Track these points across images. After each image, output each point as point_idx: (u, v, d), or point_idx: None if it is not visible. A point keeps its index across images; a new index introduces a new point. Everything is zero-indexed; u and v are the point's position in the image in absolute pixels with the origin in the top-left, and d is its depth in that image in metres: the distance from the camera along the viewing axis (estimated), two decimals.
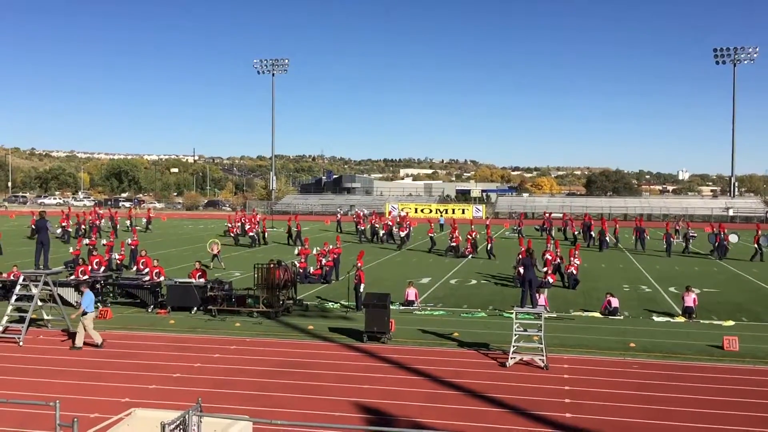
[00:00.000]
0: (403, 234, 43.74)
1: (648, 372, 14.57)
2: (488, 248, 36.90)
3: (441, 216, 68.70)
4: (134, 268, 25.77)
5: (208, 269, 25.33)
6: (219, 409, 11.22)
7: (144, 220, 55.15)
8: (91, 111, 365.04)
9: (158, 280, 21.84)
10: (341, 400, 12.57)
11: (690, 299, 20.62)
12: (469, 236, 38.59)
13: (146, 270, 24.21)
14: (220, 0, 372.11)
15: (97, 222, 47.02)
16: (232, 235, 45.16)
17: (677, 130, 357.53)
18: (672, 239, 40.14)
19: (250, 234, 43.12)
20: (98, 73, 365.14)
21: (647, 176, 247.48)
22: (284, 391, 13.11)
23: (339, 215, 59.54)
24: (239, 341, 17.17)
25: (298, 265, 26.66)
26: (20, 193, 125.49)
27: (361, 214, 52.82)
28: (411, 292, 22.25)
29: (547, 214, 54.68)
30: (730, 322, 19.75)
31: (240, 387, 13.35)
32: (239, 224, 46.40)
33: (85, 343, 16.47)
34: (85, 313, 16.38)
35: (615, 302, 20.99)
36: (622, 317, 20.52)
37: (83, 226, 45.94)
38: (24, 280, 18.19)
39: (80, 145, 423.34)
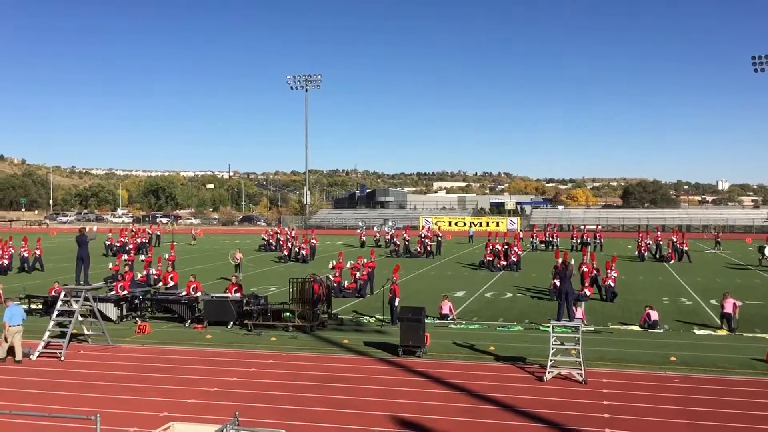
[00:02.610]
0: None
1: (689, 386, 14.26)
2: (515, 260, 36.94)
3: (471, 228, 68.48)
4: (160, 284, 26.16)
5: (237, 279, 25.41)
6: (256, 423, 11.27)
7: (157, 234, 56.20)
8: (129, 129, 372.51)
9: (195, 296, 22.10)
10: (377, 414, 12.54)
11: (729, 305, 20.17)
12: (500, 248, 38.37)
13: (172, 284, 24.66)
14: (254, 18, 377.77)
15: (140, 239, 47.96)
16: (286, 253, 44.21)
17: (716, 140, 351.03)
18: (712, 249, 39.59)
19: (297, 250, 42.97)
20: (135, 91, 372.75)
21: (685, 187, 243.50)
22: (320, 405, 13.12)
23: (362, 231, 57.30)
24: (275, 355, 17.25)
25: (332, 279, 26.73)
26: (61, 211, 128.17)
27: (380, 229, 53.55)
28: (446, 306, 22.15)
29: (550, 226, 54.94)
30: None
31: (276, 401, 13.41)
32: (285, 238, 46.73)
33: (110, 356, 16.69)
34: (13, 326, 16.42)
35: (654, 315, 20.62)
36: (662, 330, 20.14)
37: (139, 241, 46.99)
38: (65, 295, 18.55)
39: (119, 162, 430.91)
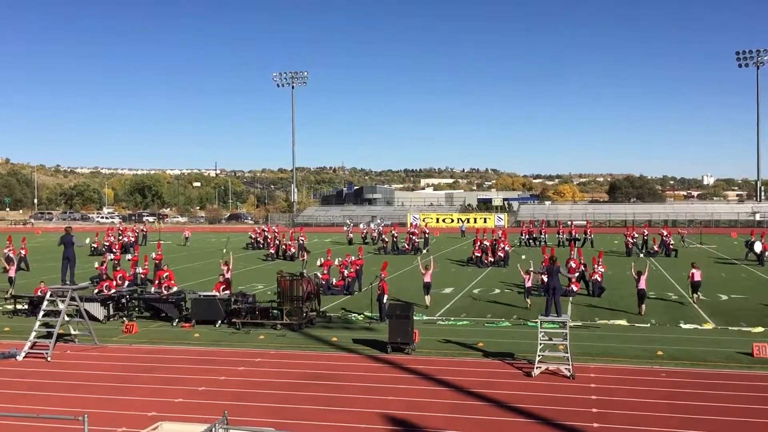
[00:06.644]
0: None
1: (676, 380, 14.37)
2: (502, 256, 37.01)
3: (463, 224, 68.87)
4: (156, 283, 25.96)
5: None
6: (244, 422, 11.25)
7: (144, 233, 55.27)
8: (114, 127, 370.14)
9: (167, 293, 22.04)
10: (366, 411, 12.54)
11: (698, 274, 22.59)
12: (489, 244, 38.42)
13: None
14: (239, 15, 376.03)
15: (126, 238, 47.65)
16: (273, 251, 43.56)
17: (701, 135, 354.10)
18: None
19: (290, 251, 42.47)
20: (121, 90, 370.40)
21: (671, 182, 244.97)
22: (309, 403, 13.11)
23: (349, 228, 57.16)
24: (264, 354, 17.21)
25: (320, 276, 26.68)
26: (46, 210, 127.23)
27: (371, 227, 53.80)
28: (427, 275, 23.41)
29: (532, 222, 55.09)
30: (760, 329, 19.43)
31: (265, 399, 13.38)
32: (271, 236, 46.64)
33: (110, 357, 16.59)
34: None
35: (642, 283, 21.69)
36: (648, 325, 20.27)
37: (122, 239, 46.67)
38: (51, 295, 18.41)
39: (104, 161, 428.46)
